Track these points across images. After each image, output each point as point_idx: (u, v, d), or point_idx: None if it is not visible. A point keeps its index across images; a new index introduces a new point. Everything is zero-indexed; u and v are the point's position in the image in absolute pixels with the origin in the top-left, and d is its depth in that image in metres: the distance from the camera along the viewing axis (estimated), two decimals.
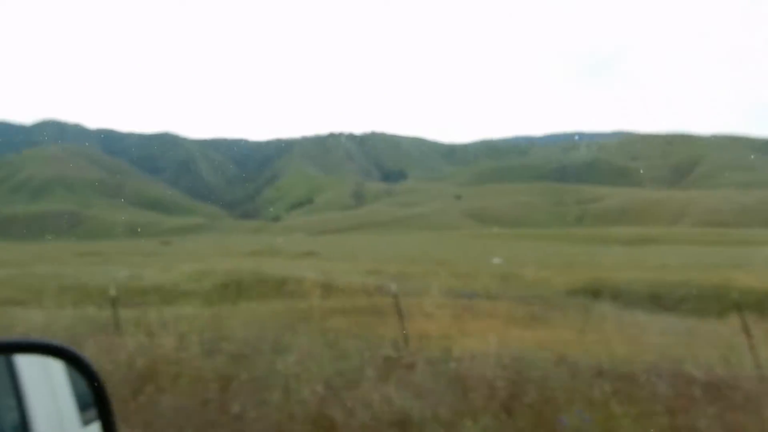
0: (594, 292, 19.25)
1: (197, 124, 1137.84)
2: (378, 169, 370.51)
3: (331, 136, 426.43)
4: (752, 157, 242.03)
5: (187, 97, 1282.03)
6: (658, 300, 17.98)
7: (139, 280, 26.01)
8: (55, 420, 1.82)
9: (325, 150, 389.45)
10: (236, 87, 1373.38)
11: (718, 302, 15.96)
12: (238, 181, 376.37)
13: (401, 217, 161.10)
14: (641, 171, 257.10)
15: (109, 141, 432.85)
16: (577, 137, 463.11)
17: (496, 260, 38.44)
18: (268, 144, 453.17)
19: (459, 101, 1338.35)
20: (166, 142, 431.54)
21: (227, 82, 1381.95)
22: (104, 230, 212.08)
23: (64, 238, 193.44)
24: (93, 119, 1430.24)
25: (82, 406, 1.90)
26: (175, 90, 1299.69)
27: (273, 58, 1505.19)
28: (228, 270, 27.72)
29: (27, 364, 1.80)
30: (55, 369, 1.87)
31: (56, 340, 1.80)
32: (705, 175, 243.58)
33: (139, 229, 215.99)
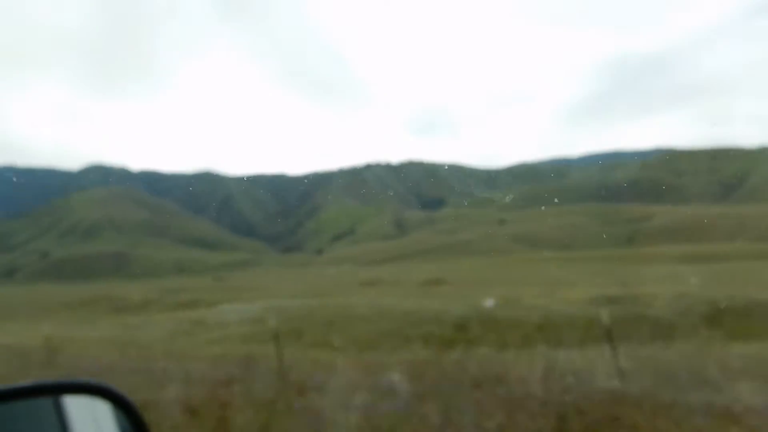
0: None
1: (237, 161, 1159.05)
2: (416, 197, 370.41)
3: (368, 167, 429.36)
4: None
5: (226, 134, 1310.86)
6: None
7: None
8: None
9: (363, 181, 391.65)
10: (272, 123, 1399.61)
11: None
12: (278, 215, 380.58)
13: (447, 243, 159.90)
14: (688, 187, 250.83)
15: (153, 182, 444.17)
16: (617, 156, 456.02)
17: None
18: (306, 178, 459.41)
19: (491, 126, 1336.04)
20: (208, 180, 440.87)
21: (263, 118, 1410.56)
22: (152, 269, 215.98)
23: (114, 279, 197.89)
24: (136, 161, 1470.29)
25: None
26: (214, 128, 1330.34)
27: (304, 93, 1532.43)
28: (436, 309, 24.60)
29: (74, 405, 1.84)
30: (101, 409, 1.90)
31: (101, 381, 1.84)
32: (755, 189, 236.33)
33: (185, 268, 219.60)
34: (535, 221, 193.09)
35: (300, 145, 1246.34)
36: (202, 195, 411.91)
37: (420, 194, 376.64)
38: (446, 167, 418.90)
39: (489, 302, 26.25)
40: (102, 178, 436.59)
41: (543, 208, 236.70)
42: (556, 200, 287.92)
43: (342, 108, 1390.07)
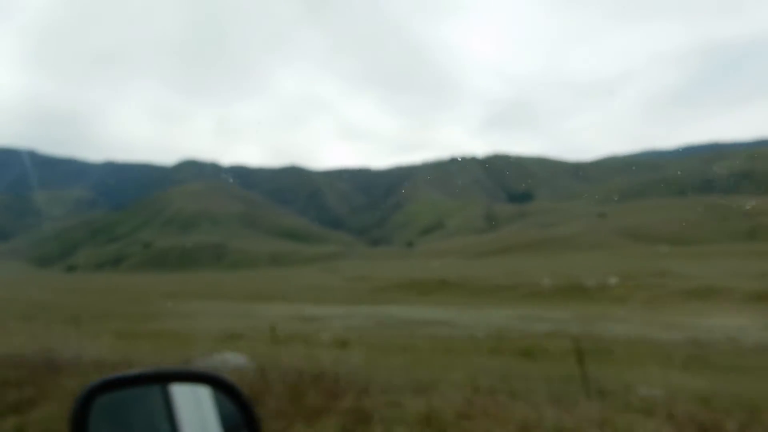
0: None
1: (321, 155, 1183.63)
2: (504, 190, 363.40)
3: (453, 160, 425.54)
4: None
5: (311, 129, 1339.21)
6: None
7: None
8: None
9: (449, 174, 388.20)
10: (354, 118, 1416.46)
11: None
12: (363, 208, 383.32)
13: (547, 238, 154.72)
14: None
15: (242, 176, 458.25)
16: (717, 148, 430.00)
17: None
18: (390, 171, 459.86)
19: (576, 119, 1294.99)
20: (294, 174, 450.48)
21: (346, 113, 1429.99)
22: (249, 260, 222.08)
23: (215, 269, 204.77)
24: (226, 156, 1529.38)
25: None
26: (299, 123, 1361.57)
27: (386, 88, 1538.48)
28: None
29: (180, 393, 1.95)
30: (204, 397, 1.99)
31: (211, 370, 2.02)
32: None
33: (279, 258, 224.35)
34: (639, 215, 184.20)
35: (382, 139, 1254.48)
36: (289, 188, 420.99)
37: (507, 188, 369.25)
38: (533, 160, 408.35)
39: None
40: (195, 173, 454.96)
41: (645, 201, 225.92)
42: (659, 190, 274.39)
43: (423, 102, 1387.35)
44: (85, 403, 1.65)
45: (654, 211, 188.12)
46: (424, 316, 34.86)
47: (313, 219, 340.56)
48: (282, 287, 73.57)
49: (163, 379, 1.99)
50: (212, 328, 25.16)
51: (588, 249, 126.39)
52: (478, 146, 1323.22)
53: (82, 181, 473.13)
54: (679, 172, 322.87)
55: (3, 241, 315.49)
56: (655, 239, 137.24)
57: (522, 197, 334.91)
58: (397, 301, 47.66)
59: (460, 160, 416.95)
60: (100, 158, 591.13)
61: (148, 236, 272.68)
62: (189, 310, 41.58)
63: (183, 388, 1.96)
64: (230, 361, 9.78)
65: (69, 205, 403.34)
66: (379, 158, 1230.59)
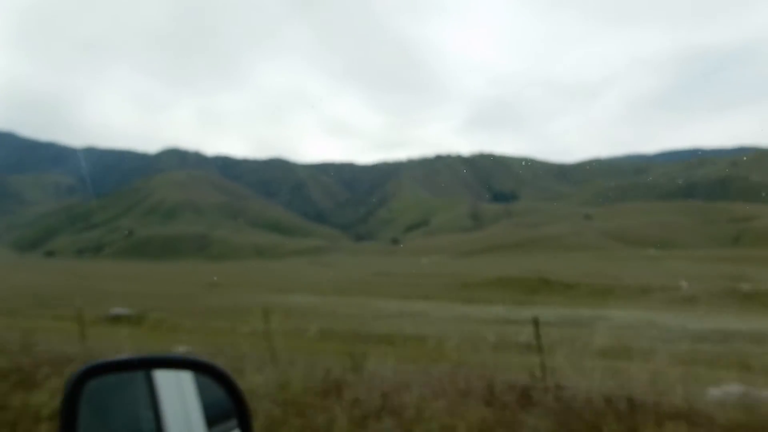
0: None
1: (306, 149, 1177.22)
2: (488, 190, 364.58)
3: (438, 158, 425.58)
4: None
5: (295, 122, 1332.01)
6: None
7: None
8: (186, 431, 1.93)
9: (434, 172, 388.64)
10: (339, 112, 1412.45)
11: None
12: (348, 203, 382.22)
13: (533, 237, 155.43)
14: None
15: (226, 167, 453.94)
16: (699, 153, 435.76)
17: None
18: (375, 167, 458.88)
19: (558, 121, 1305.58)
20: (278, 167, 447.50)
21: (330, 107, 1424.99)
22: (232, 251, 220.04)
23: (196, 259, 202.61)
24: (209, 146, 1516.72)
25: (210, 421, 2.00)
26: (283, 116, 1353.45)
27: (370, 84, 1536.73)
28: None
29: (163, 380, 1.94)
30: (187, 383, 1.99)
31: (198, 356, 1.95)
32: None
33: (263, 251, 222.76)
34: (624, 217, 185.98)
35: (367, 135, 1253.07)
36: (273, 181, 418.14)
37: (491, 187, 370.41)
38: (518, 160, 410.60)
39: None
40: (178, 162, 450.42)
41: (629, 204, 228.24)
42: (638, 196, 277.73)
43: (409, 100, 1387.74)
44: (75, 387, 1.66)
45: (638, 214, 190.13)
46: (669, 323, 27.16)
47: (297, 212, 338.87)
48: (316, 280, 67.49)
49: (153, 364, 1.98)
50: (436, 333, 20.37)
51: (576, 250, 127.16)
52: (463, 145, 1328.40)
53: (62, 166, 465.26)
54: (661, 177, 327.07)
55: None
56: (641, 242, 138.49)
57: (506, 197, 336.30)
58: (519, 301, 39.99)
59: (445, 157, 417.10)
60: (81, 144, 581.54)
61: (130, 224, 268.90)
62: (306, 306, 36.18)
63: (166, 375, 1.96)
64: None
65: (48, 190, 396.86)
66: (364, 154, 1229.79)
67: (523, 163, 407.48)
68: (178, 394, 1.97)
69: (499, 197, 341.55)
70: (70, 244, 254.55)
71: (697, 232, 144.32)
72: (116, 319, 25.06)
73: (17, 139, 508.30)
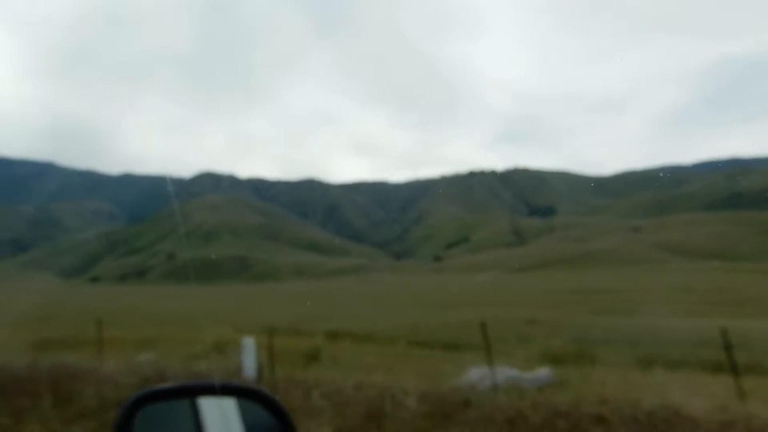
0: None
1: (337, 169, 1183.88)
2: (525, 205, 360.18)
3: (472, 174, 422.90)
4: None
5: (326, 143, 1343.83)
6: None
7: None
8: None
9: (468, 188, 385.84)
10: (368, 132, 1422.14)
11: None
12: (382, 222, 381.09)
13: (585, 252, 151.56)
14: None
15: (260, 189, 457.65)
16: (739, 163, 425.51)
17: None
18: (407, 185, 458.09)
19: (589, 135, 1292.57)
20: (311, 187, 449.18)
21: (360, 127, 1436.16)
22: (272, 272, 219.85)
23: (238, 281, 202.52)
24: (242, 169, 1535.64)
25: None
26: (313, 137, 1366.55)
27: (398, 103, 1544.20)
28: None
29: (207, 406, 1.98)
30: (230, 409, 2.01)
31: (247, 384, 2.12)
32: None
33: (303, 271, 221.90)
34: (673, 229, 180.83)
35: (395, 154, 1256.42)
36: (307, 201, 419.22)
37: (527, 202, 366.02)
38: (553, 174, 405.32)
39: None
40: (213, 185, 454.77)
41: (674, 215, 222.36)
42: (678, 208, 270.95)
43: (435, 118, 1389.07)
44: (127, 415, 1.69)
45: (687, 225, 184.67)
46: None
47: (332, 232, 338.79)
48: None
49: (202, 391, 2.02)
50: None
51: (631, 263, 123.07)
52: (492, 161, 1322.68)
53: (100, 193, 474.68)
54: (703, 187, 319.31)
55: (22, 252, 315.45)
56: (698, 254, 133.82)
57: (544, 211, 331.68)
58: None
59: (479, 174, 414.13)
60: (118, 171, 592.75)
61: (170, 248, 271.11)
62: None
63: (210, 401, 2.00)
64: None
65: (87, 217, 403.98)
66: (394, 172, 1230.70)
67: (559, 176, 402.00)
68: (222, 420, 2.00)
69: (536, 212, 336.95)
70: (114, 269, 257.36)
71: (752, 243, 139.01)
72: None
73: (57, 169, 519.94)
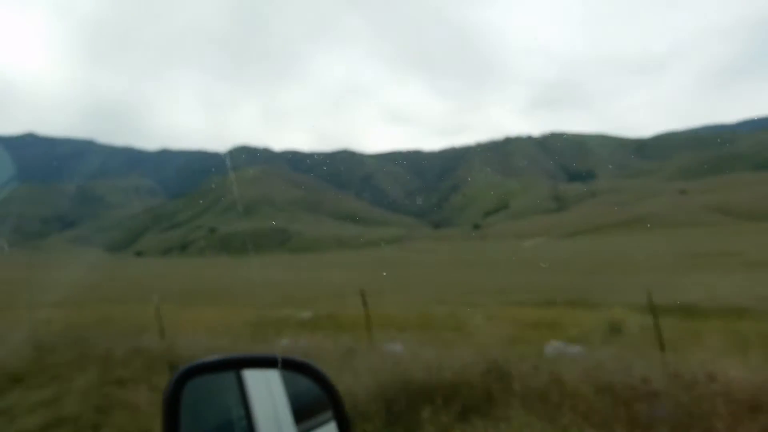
0: None
1: (372, 139, 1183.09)
2: (564, 170, 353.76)
3: (508, 140, 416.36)
4: None
5: (359, 113, 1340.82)
6: None
7: None
8: (276, 429, 2.00)
9: (504, 154, 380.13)
10: (401, 99, 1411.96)
11: None
12: (419, 191, 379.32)
13: (634, 216, 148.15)
14: None
15: (295, 161, 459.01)
16: None
17: None
18: (443, 153, 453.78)
19: (632, 95, 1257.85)
20: (346, 158, 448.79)
21: (393, 94, 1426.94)
22: (314, 244, 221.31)
23: (279, 253, 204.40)
24: (277, 142, 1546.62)
25: (298, 416, 2.06)
26: (347, 108, 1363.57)
27: (431, 70, 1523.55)
28: None
29: (252, 377, 2.03)
30: (274, 381, 2.06)
31: (295, 356, 1.99)
32: None
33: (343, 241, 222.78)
34: (723, 191, 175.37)
35: (429, 122, 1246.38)
36: (343, 173, 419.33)
37: (566, 167, 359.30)
38: (592, 138, 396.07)
39: None
40: (249, 159, 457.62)
41: (722, 176, 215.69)
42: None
43: (470, 85, 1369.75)
44: (176, 388, 1.73)
45: (738, 186, 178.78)
46: None
47: (369, 202, 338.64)
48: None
49: (249, 364, 2.08)
50: None
51: (684, 226, 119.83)
52: (528, 127, 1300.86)
53: (139, 169, 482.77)
54: (751, 147, 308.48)
55: (69, 228, 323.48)
56: (746, 216, 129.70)
57: (584, 176, 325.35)
58: None
59: (516, 139, 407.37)
60: (155, 147, 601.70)
61: (210, 222, 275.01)
62: None
63: (255, 373, 2.03)
64: None
65: (129, 193, 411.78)
66: (428, 141, 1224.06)
67: (598, 140, 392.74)
68: (267, 391, 2.03)
69: (575, 177, 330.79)
70: (157, 243, 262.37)
71: None
72: None
73: (97, 147, 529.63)
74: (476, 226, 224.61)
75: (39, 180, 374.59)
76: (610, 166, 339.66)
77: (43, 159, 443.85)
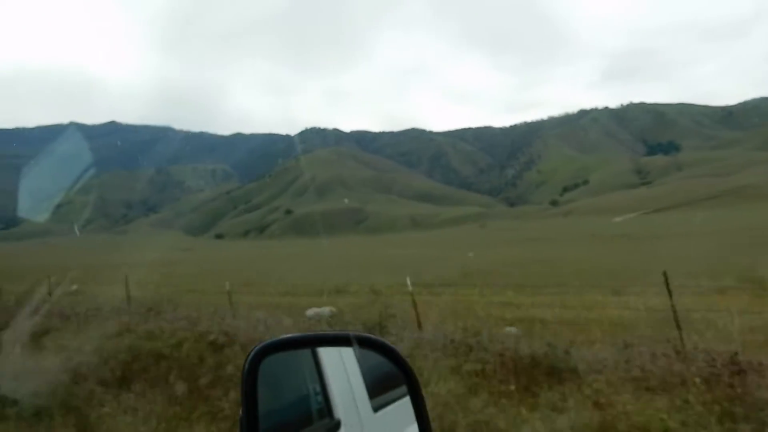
0: None
1: (439, 117, 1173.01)
2: (643, 143, 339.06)
3: (583, 113, 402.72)
4: None
5: (425, 92, 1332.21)
6: None
7: None
8: (351, 404, 2.05)
9: (579, 128, 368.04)
10: (467, 75, 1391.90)
11: None
12: (490, 168, 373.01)
13: (726, 189, 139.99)
14: None
15: (365, 141, 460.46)
16: None
17: None
18: (513, 129, 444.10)
19: (712, 63, 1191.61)
20: (415, 137, 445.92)
21: (458, 70, 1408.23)
22: (388, 223, 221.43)
23: (355, 233, 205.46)
24: (343, 123, 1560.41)
25: (371, 392, 2.11)
26: (413, 87, 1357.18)
27: (495, 44, 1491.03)
28: None
29: (326, 354, 2.10)
30: (348, 357, 2.09)
31: (369, 334, 2.03)
32: None
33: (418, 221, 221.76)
34: None
35: (497, 98, 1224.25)
36: (412, 151, 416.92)
37: (646, 139, 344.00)
38: (674, 107, 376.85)
39: None
40: (319, 140, 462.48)
41: None
42: None
43: (536, 58, 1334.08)
44: (253, 364, 1.78)
45: None
46: None
47: (440, 181, 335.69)
48: None
49: (325, 342, 2.16)
50: None
51: None
52: (601, 100, 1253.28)
53: (214, 154, 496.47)
54: None
55: (152, 213, 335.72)
56: None
57: (666, 148, 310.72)
58: None
59: (590, 112, 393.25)
60: (228, 132, 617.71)
61: (284, 203, 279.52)
62: None
63: (330, 351, 2.09)
64: None
65: (206, 177, 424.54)
66: (496, 117, 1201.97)
67: (680, 109, 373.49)
68: (341, 368, 2.08)
69: (656, 149, 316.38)
70: (235, 226, 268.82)
71: None
72: None
73: (174, 132, 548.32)
74: (554, 203, 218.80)
75: (121, 166, 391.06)
76: (694, 137, 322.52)
77: (124, 146, 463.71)
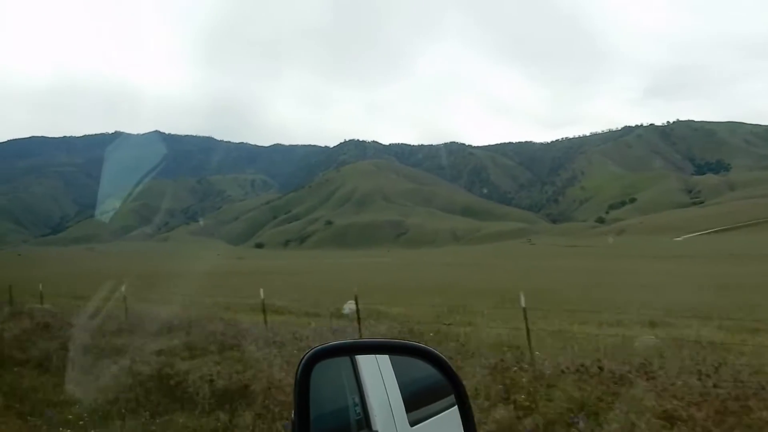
0: None
1: (479, 131, 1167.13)
2: (690, 161, 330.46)
3: (627, 129, 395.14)
4: None
5: (465, 106, 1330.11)
6: None
7: None
8: (389, 417, 2.03)
9: (624, 145, 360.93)
10: (506, 90, 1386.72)
11: None
12: (531, 183, 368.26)
13: None
14: None
15: (404, 154, 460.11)
16: None
17: None
18: (554, 144, 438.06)
19: (757, 79, 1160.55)
20: (455, 151, 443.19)
21: (498, 85, 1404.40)
22: (429, 237, 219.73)
23: (396, 246, 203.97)
24: (382, 136, 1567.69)
25: (408, 406, 2.09)
26: (450, 100, 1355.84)
27: (536, 59, 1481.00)
28: None
29: (364, 361, 2.09)
30: (385, 366, 2.09)
31: (415, 342, 2.06)
32: None
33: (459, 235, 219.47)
34: None
35: (536, 113, 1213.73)
36: (452, 165, 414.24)
37: (693, 158, 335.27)
38: (723, 126, 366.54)
39: None
40: (358, 153, 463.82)
41: None
42: None
43: (577, 74, 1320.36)
44: (306, 369, 1.80)
45: None
46: None
47: (480, 195, 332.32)
48: None
49: (373, 349, 2.16)
50: None
51: None
52: (643, 117, 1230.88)
53: (254, 164, 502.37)
54: None
55: (194, 221, 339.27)
56: None
57: (715, 167, 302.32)
58: None
59: (635, 129, 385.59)
60: (268, 143, 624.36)
61: (325, 214, 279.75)
62: None
63: (368, 358, 2.09)
64: None
65: (246, 187, 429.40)
66: (536, 133, 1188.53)
67: (729, 128, 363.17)
68: (379, 379, 2.07)
69: (705, 168, 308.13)
70: (275, 235, 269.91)
71: None
72: None
73: (215, 143, 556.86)
74: (600, 220, 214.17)
75: (164, 175, 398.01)
76: (746, 157, 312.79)
77: (167, 155, 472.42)
